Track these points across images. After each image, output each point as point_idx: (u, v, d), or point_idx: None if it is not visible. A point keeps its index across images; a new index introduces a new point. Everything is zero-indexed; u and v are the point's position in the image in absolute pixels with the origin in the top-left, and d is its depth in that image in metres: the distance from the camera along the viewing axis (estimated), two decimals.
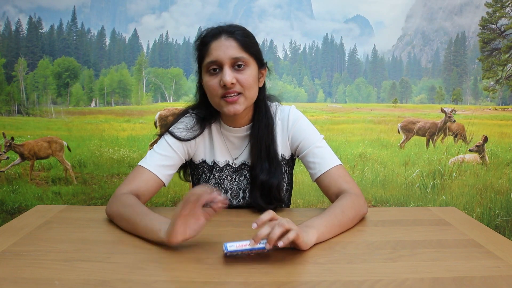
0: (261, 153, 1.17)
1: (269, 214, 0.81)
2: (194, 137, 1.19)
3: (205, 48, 1.09)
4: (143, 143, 3.35)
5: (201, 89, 1.20)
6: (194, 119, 1.21)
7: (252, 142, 1.20)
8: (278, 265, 0.79)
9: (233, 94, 1.07)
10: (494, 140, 3.37)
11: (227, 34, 1.08)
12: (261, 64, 1.16)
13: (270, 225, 0.78)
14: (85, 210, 1.19)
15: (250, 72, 1.09)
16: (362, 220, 1.08)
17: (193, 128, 1.20)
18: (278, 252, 0.83)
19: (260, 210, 1.15)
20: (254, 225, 0.79)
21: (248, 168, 1.23)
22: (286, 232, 0.78)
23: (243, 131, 1.22)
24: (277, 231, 0.76)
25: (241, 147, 1.24)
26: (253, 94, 1.12)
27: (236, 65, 1.07)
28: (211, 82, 1.08)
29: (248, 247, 0.78)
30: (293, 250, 0.84)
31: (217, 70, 1.07)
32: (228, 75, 1.05)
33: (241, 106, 1.09)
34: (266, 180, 1.15)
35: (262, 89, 1.19)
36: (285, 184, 1.25)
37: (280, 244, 0.76)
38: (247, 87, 1.08)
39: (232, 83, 1.06)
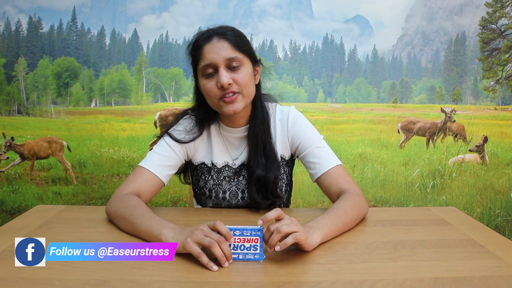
0: (257, 149, 1.18)
1: (276, 212, 0.82)
2: (193, 139, 1.20)
3: (198, 52, 1.10)
4: (143, 143, 3.35)
5: (198, 93, 1.20)
6: (193, 121, 1.22)
7: (250, 140, 1.20)
8: (278, 265, 0.79)
9: (230, 94, 1.08)
10: (494, 140, 3.36)
11: (218, 36, 1.09)
12: (254, 61, 1.16)
13: (272, 229, 0.80)
14: (85, 210, 1.19)
15: (246, 70, 1.10)
16: (362, 220, 1.08)
17: (192, 131, 1.20)
18: (278, 252, 0.83)
19: (257, 206, 1.16)
20: (260, 222, 0.81)
21: (247, 168, 1.24)
22: (286, 236, 0.79)
23: (242, 131, 1.22)
24: (275, 238, 0.78)
25: (240, 147, 1.24)
26: (250, 91, 1.13)
27: (231, 65, 1.07)
28: (208, 85, 1.09)
29: (246, 257, 0.80)
30: (293, 250, 0.85)
31: (213, 72, 1.08)
32: (225, 76, 1.05)
33: (240, 104, 1.10)
34: (263, 175, 1.16)
35: (257, 86, 1.19)
36: (284, 185, 1.25)
37: (277, 248, 0.77)
38: (244, 86, 1.09)
39: (229, 84, 1.06)
